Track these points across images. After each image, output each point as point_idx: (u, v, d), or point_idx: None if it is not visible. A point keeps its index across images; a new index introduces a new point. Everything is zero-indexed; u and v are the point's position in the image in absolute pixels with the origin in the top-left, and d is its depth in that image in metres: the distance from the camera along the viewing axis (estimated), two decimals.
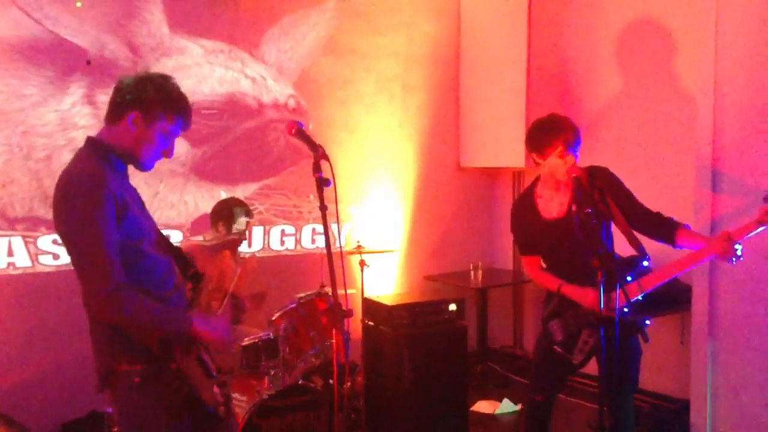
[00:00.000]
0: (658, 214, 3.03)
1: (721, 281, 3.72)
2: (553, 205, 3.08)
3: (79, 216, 2.03)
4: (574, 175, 2.91)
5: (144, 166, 2.24)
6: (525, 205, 3.18)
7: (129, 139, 2.16)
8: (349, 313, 2.11)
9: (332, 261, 2.09)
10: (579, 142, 3.00)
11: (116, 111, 2.16)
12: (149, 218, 2.30)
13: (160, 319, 2.10)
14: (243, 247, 4.67)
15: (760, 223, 2.84)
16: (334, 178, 2.12)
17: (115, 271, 2.02)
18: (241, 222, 3.96)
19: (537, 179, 3.18)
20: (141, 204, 2.28)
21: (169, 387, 2.14)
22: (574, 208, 2.92)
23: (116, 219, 2.05)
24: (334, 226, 3.70)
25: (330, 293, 3.66)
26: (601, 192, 2.88)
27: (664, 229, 2.99)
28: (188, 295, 2.35)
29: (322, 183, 2.11)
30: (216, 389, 2.24)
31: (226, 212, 3.96)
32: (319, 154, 2.17)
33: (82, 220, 2.03)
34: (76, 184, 2.06)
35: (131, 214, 2.10)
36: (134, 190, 2.29)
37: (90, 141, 2.21)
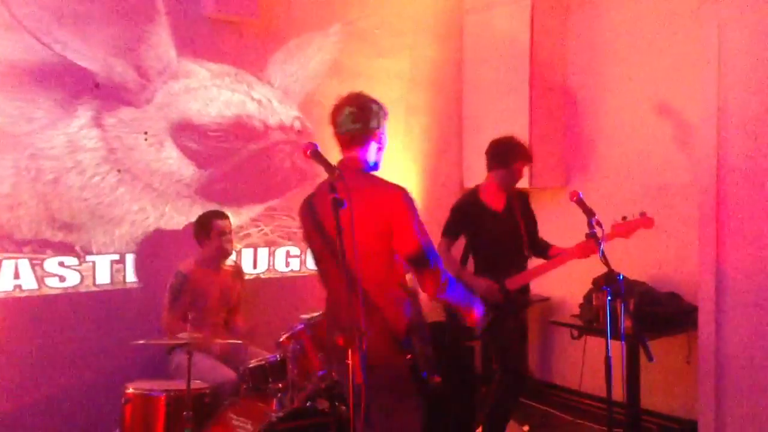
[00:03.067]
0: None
1: (728, 300, 3.73)
2: (497, 200, 3.94)
3: None
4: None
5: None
6: (472, 198, 4.01)
7: (377, 152, 2.66)
8: (366, 333, 2.11)
9: (348, 280, 2.09)
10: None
11: (361, 138, 2.60)
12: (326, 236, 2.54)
13: None
14: (249, 269, 4.71)
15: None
16: (349, 199, 2.13)
17: None
18: (217, 225, 4.07)
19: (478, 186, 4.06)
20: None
21: None
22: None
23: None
24: None
25: None
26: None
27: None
28: None
29: (337, 204, 2.11)
30: None
31: (203, 226, 4.10)
32: (335, 176, 2.18)
33: None
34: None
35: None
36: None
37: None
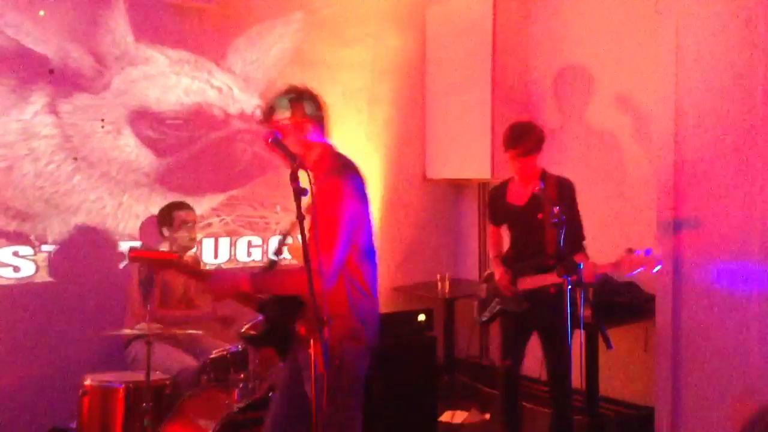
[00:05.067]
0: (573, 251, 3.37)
1: (684, 290, 3.80)
2: (520, 193, 3.74)
3: None
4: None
5: None
6: (498, 190, 3.93)
7: None
8: (328, 322, 2.10)
9: (311, 270, 2.07)
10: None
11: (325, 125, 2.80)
12: None
13: None
14: (210, 259, 4.65)
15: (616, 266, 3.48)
16: (311, 188, 2.11)
17: None
18: (179, 215, 4.03)
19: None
20: None
21: None
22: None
23: None
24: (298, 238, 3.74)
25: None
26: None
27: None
28: None
29: (299, 193, 2.09)
30: None
31: (166, 217, 4.05)
32: (297, 164, 2.16)
33: None
34: None
35: None
36: None
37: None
